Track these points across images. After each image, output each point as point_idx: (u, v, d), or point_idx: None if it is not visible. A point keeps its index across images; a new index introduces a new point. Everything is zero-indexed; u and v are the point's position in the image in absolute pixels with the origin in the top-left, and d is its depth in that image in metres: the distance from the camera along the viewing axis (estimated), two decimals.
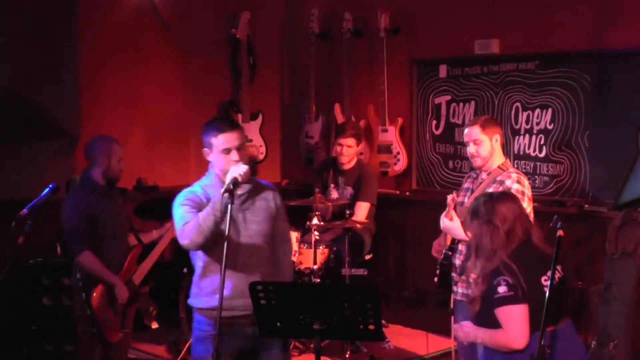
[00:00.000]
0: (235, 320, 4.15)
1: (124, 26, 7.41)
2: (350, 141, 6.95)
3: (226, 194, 3.94)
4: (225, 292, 4.01)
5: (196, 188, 4.23)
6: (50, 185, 4.88)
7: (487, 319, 3.78)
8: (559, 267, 3.83)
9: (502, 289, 3.68)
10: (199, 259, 4.24)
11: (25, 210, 4.69)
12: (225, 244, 3.91)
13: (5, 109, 6.63)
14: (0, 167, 6.55)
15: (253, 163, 8.11)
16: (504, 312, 3.70)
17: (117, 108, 7.40)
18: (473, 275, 3.93)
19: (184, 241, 4.08)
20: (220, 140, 4.14)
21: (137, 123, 7.59)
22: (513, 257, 3.73)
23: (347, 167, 7.03)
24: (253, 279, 4.07)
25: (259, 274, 4.18)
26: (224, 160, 4.16)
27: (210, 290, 4.19)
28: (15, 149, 6.64)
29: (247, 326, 4.17)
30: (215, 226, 4.00)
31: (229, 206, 3.92)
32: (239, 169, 4.03)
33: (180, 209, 4.14)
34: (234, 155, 4.14)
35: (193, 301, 4.30)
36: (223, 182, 4.11)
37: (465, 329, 3.93)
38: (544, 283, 3.74)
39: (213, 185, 4.20)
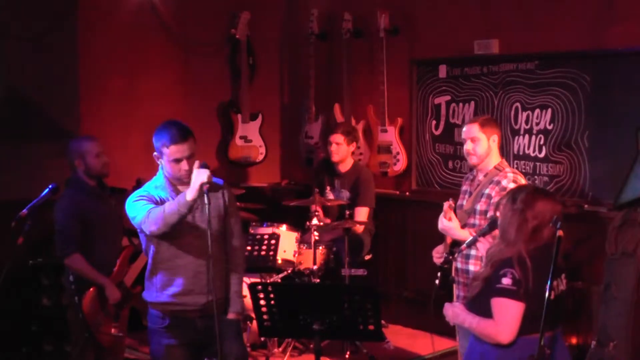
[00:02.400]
0: (186, 313, 4.30)
1: (123, 26, 7.42)
2: (338, 137, 6.92)
3: (198, 198, 4.05)
4: (175, 289, 4.26)
5: (149, 189, 4.35)
6: (50, 186, 4.90)
7: (480, 305, 3.77)
8: (564, 280, 3.84)
9: (506, 281, 3.66)
10: (149, 256, 4.38)
11: (25, 211, 4.71)
12: (210, 242, 4.05)
13: (5, 109, 6.64)
14: (0, 167, 6.56)
15: (248, 164, 8.13)
16: (499, 304, 3.68)
17: (117, 108, 7.41)
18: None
19: (151, 227, 4.16)
20: (172, 151, 4.24)
21: (136, 123, 7.58)
22: (531, 255, 3.72)
23: (343, 169, 7.01)
24: (201, 277, 4.24)
25: (208, 273, 4.24)
26: (174, 168, 4.27)
27: (159, 285, 4.34)
28: (15, 149, 6.64)
29: (197, 319, 4.30)
30: (178, 221, 4.10)
31: (206, 206, 4.05)
32: (202, 176, 4.05)
33: (138, 204, 4.25)
34: (185, 164, 4.24)
35: (145, 294, 4.46)
36: (173, 186, 4.31)
37: (456, 310, 3.91)
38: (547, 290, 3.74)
39: (163, 187, 4.32)
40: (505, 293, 3.66)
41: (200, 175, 4.05)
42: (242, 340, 4.58)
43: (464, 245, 4.53)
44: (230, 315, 4.37)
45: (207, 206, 4.04)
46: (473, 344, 3.89)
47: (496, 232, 4.08)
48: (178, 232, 4.20)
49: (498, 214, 3.96)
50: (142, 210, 4.20)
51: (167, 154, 4.25)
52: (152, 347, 4.47)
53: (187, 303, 4.28)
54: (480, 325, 3.76)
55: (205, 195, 4.04)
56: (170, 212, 4.09)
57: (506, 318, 3.67)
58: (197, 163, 4.13)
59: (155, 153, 4.33)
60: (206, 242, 4.14)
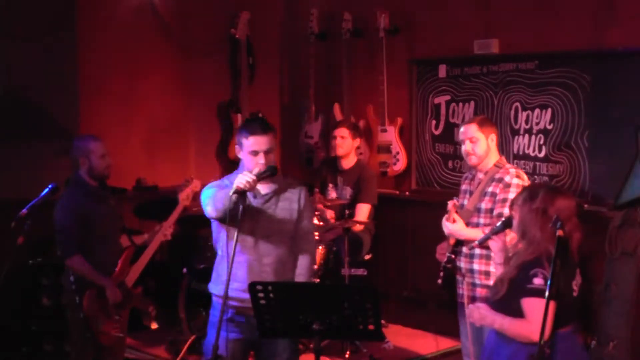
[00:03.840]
0: (245, 310, 4.29)
1: (123, 26, 7.42)
2: (343, 131, 6.95)
3: (234, 195, 4.10)
4: (238, 285, 4.28)
5: (225, 181, 4.42)
6: (50, 185, 4.90)
7: (507, 306, 3.75)
8: (579, 276, 3.84)
9: (537, 281, 3.65)
10: (219, 248, 4.45)
11: (25, 210, 4.71)
12: (235, 239, 4.08)
13: (5, 109, 6.65)
14: (0, 167, 6.56)
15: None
16: (532, 304, 3.66)
17: (117, 108, 7.41)
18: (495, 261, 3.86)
19: (207, 207, 4.29)
20: (250, 142, 4.29)
21: (136, 123, 7.59)
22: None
23: (346, 166, 7.02)
24: (266, 277, 4.29)
25: (272, 273, 4.34)
26: (251, 161, 4.32)
27: (224, 278, 4.29)
28: (15, 149, 6.65)
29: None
30: (223, 209, 4.17)
31: (240, 206, 4.08)
32: (244, 179, 4.10)
33: (210, 191, 4.34)
34: (261, 158, 4.28)
35: (211, 286, 4.51)
36: None
37: (482, 311, 3.87)
38: (574, 287, 3.73)
39: None
40: (538, 293, 3.64)
41: (240, 178, 4.10)
42: (295, 347, 4.56)
43: (476, 242, 4.52)
44: None
45: (241, 207, 4.08)
46: (497, 346, 3.86)
47: (508, 230, 4.08)
48: (243, 229, 4.24)
49: (512, 212, 3.93)
50: (210, 195, 4.29)
51: (246, 146, 4.30)
52: (208, 338, 4.49)
53: (246, 300, 4.20)
54: (513, 326, 3.74)
55: (240, 200, 4.09)
56: (219, 197, 4.20)
57: (540, 317, 3.60)
58: (256, 170, 4.18)
59: (236, 145, 4.41)
60: (274, 242, 4.31)
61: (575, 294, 3.73)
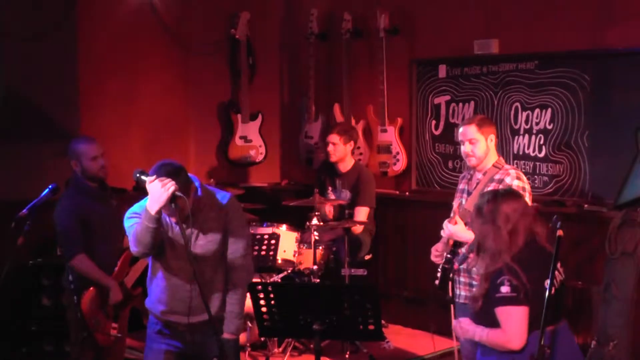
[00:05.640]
0: (173, 324, 4.32)
1: (123, 26, 7.42)
2: (334, 137, 6.91)
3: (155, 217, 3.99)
4: (162, 307, 4.29)
5: (143, 204, 4.16)
6: (50, 186, 4.89)
7: (486, 318, 3.79)
8: (561, 269, 3.84)
9: (504, 289, 3.68)
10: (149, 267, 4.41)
11: (25, 211, 4.71)
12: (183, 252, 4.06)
13: (5, 109, 6.65)
14: (0, 167, 6.56)
15: (248, 164, 8.13)
16: (503, 312, 3.70)
17: (117, 108, 7.41)
18: (477, 278, 3.93)
19: (133, 248, 4.15)
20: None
21: (136, 123, 7.59)
22: (517, 258, 3.72)
23: (344, 169, 7.00)
24: (192, 301, 4.20)
25: (198, 297, 4.12)
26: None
27: (155, 299, 4.36)
28: (15, 149, 6.65)
29: (186, 333, 4.30)
30: (152, 237, 4.02)
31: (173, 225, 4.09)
32: (170, 190, 3.93)
33: (128, 222, 4.18)
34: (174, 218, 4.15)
35: (146, 300, 4.48)
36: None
37: (464, 326, 3.93)
38: (546, 286, 3.74)
39: None
40: (507, 301, 3.68)
41: (166, 190, 3.92)
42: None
43: (465, 247, 4.51)
44: (225, 335, 4.28)
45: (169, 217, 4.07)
46: (480, 358, 3.92)
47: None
48: (163, 254, 4.19)
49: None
50: (128, 231, 4.16)
51: None
52: (145, 349, 4.52)
53: (174, 320, 4.31)
54: (490, 336, 3.78)
55: (174, 205, 3.97)
56: (141, 230, 4.02)
57: (513, 325, 3.69)
58: (155, 178, 3.97)
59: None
60: (202, 267, 4.14)
61: (549, 293, 3.70)
